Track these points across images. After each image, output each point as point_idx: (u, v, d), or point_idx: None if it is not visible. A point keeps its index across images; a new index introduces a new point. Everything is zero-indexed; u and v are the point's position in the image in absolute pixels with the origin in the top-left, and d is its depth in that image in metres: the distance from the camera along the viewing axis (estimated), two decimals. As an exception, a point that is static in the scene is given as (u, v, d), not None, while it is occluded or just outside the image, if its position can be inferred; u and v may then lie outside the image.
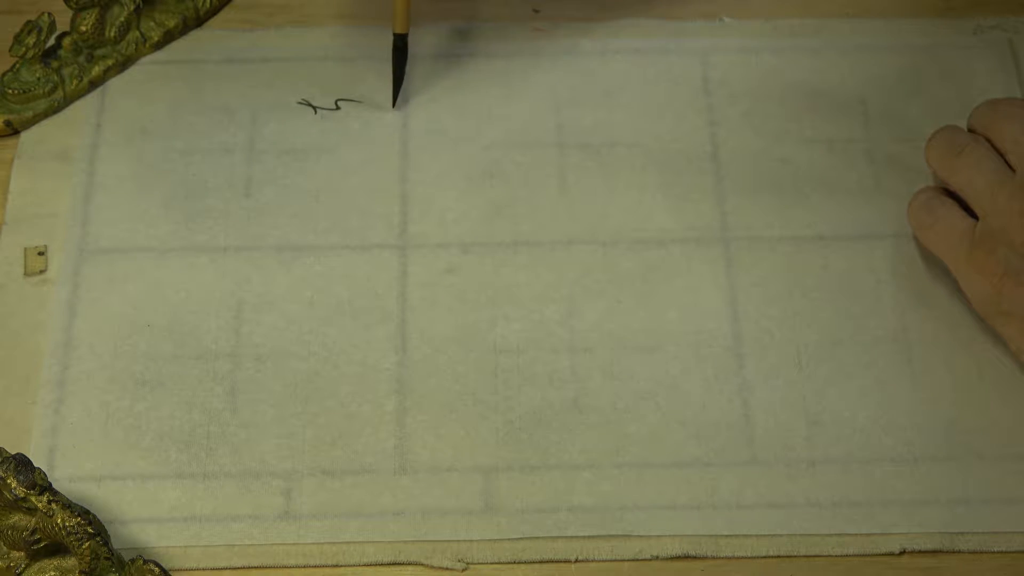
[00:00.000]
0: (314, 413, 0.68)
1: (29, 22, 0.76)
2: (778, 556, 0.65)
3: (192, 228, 0.73)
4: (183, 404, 0.68)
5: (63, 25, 0.77)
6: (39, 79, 0.76)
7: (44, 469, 0.62)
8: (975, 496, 0.66)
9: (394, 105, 0.77)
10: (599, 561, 0.64)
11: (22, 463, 0.61)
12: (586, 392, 0.69)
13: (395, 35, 0.76)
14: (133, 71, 0.78)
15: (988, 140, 0.70)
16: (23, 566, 0.63)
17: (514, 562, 0.65)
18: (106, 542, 0.61)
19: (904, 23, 0.80)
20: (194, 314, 0.71)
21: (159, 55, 0.79)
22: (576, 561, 0.65)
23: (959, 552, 0.65)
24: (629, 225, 0.73)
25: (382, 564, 0.65)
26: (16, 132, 0.76)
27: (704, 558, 0.65)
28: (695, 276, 0.72)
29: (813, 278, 0.72)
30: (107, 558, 0.61)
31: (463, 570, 0.64)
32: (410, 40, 0.78)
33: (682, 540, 0.65)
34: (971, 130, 0.72)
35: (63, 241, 0.73)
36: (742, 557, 0.65)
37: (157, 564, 0.61)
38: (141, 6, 0.78)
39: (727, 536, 0.65)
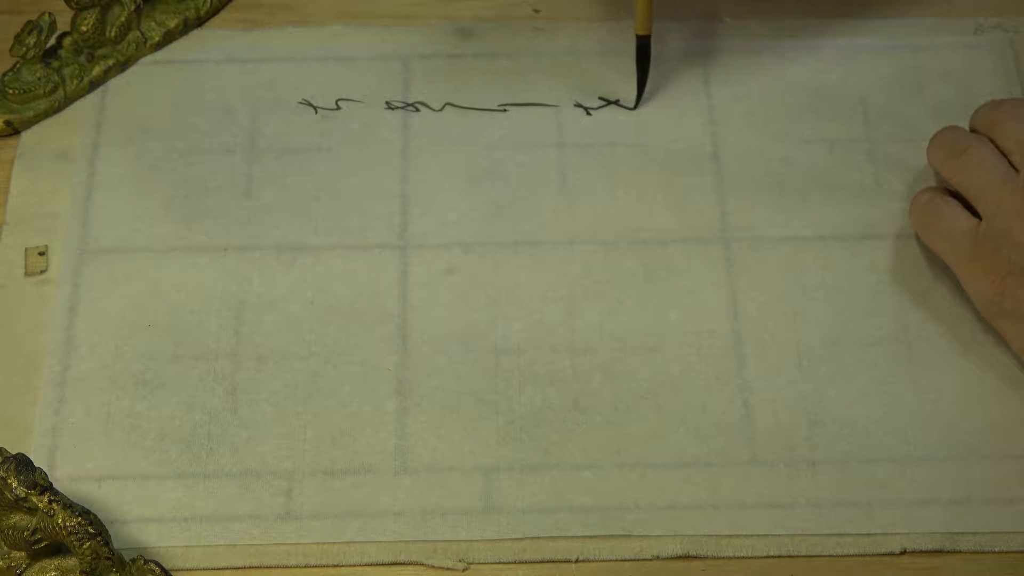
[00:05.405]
0: (315, 413, 0.68)
1: (30, 22, 0.76)
2: (778, 556, 0.65)
3: (192, 228, 0.73)
4: (184, 404, 0.68)
5: (63, 25, 0.77)
6: (39, 79, 0.76)
7: (45, 469, 0.62)
8: (975, 496, 0.66)
9: (636, 106, 0.77)
10: (600, 561, 0.64)
11: (23, 463, 0.61)
12: (587, 392, 0.69)
13: (638, 36, 0.75)
14: (133, 71, 0.78)
15: (991, 140, 0.70)
16: (24, 566, 0.63)
17: (515, 562, 0.65)
18: (107, 542, 0.61)
19: (904, 23, 0.80)
20: (194, 314, 0.71)
21: (159, 55, 0.79)
22: (577, 561, 0.65)
23: (959, 552, 0.65)
24: (629, 225, 0.73)
25: (382, 564, 0.65)
26: (16, 132, 0.76)
27: (705, 558, 0.65)
28: (695, 276, 0.72)
29: (813, 278, 0.72)
30: (108, 558, 0.61)
31: (464, 570, 0.64)
32: (408, 39, 0.77)
33: (683, 540, 0.65)
34: (974, 130, 0.72)
35: (63, 241, 0.73)
36: (743, 557, 0.65)
37: (158, 564, 0.61)
38: (141, 6, 0.78)
39: (728, 536, 0.65)
